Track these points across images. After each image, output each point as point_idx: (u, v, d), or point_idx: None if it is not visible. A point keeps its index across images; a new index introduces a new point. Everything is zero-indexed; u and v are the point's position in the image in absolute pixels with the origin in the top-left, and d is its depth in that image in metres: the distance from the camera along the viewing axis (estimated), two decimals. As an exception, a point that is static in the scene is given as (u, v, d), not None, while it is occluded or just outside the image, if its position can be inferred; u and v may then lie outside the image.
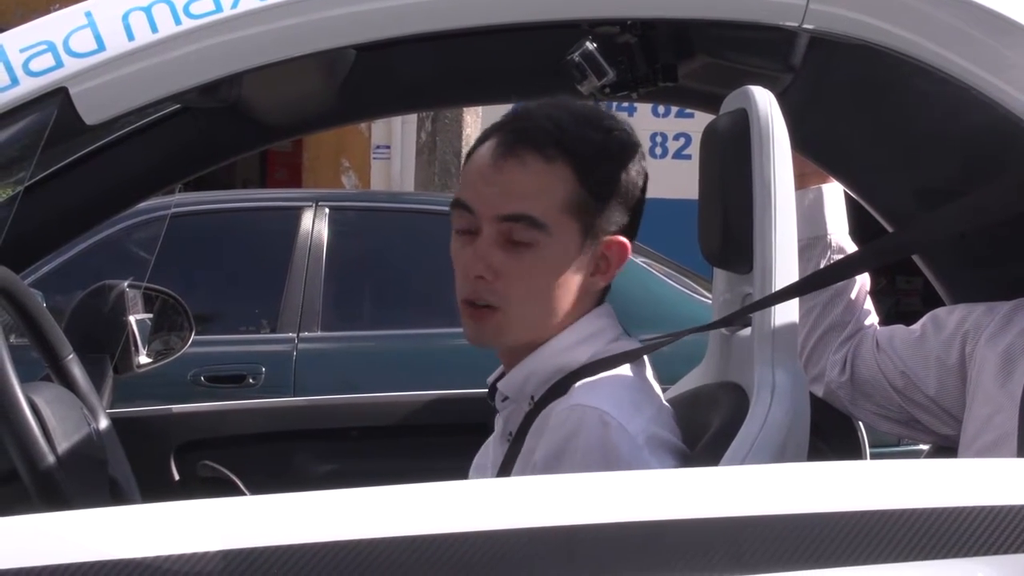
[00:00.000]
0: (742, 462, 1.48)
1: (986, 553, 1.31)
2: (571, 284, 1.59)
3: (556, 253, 1.57)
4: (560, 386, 1.58)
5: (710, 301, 1.88)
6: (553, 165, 1.57)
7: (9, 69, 1.48)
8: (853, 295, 1.94)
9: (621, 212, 1.61)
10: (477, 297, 1.58)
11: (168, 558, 1.20)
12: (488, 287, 1.57)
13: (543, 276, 1.57)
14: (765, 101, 1.58)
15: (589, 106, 1.63)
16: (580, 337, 1.61)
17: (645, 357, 1.64)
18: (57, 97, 1.49)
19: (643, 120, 9.02)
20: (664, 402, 1.63)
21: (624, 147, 1.61)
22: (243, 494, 2.09)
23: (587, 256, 1.59)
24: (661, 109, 9.11)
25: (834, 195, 1.95)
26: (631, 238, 1.63)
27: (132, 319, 2.29)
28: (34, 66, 1.49)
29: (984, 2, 1.60)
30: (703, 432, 1.60)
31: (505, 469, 1.60)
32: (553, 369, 1.60)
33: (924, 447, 2.01)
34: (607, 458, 1.49)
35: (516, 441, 1.60)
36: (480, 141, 1.63)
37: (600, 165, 1.58)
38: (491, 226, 1.57)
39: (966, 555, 1.31)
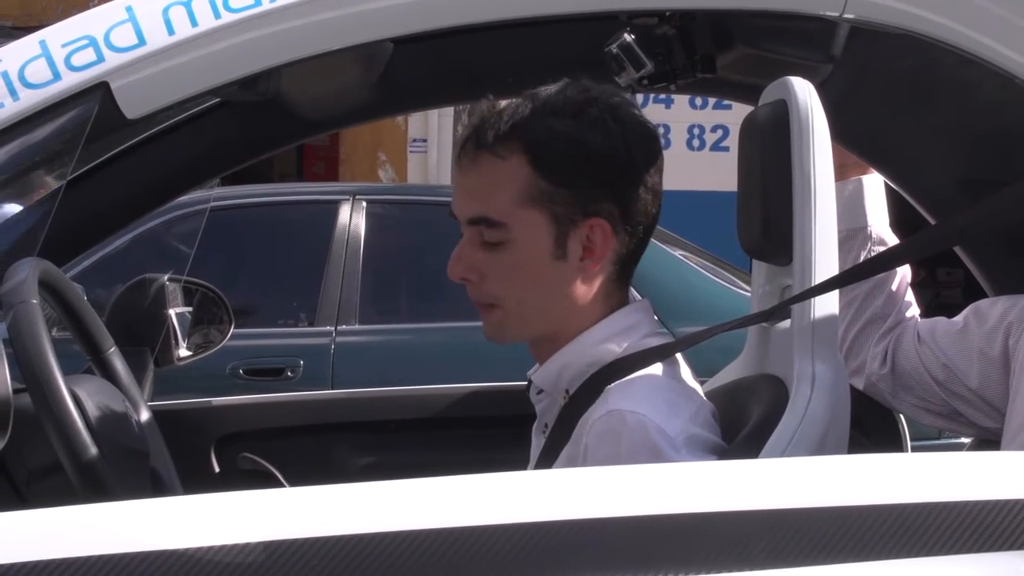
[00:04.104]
0: (782, 455, 1.48)
1: (1031, 547, 1.29)
2: (558, 272, 1.59)
3: (528, 246, 1.58)
4: (594, 380, 1.58)
5: (749, 294, 1.87)
6: (506, 160, 1.57)
7: (51, 64, 1.50)
8: (894, 287, 1.93)
9: (598, 194, 1.58)
10: (472, 298, 1.62)
11: (210, 549, 1.21)
12: (476, 288, 1.61)
13: (521, 270, 1.58)
14: (805, 92, 1.57)
15: (566, 96, 1.59)
16: (613, 331, 1.61)
17: (679, 354, 1.63)
18: (98, 92, 1.50)
19: (680, 112, 8.98)
20: (703, 398, 1.62)
21: (592, 128, 1.57)
22: (283, 486, 2.11)
23: (570, 243, 1.58)
24: (699, 101, 9.06)
25: (874, 186, 1.94)
26: (628, 217, 1.59)
27: (172, 312, 2.31)
28: (76, 61, 1.50)
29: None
30: (742, 425, 1.59)
31: (542, 463, 1.61)
32: (587, 362, 1.60)
33: (966, 440, 2.00)
34: (653, 459, 1.49)
35: (552, 435, 1.61)
36: None
37: (555, 151, 1.56)
38: (466, 229, 1.60)
39: (1010, 548, 1.29)
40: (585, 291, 1.61)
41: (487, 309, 1.62)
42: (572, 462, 1.55)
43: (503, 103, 1.61)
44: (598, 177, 1.58)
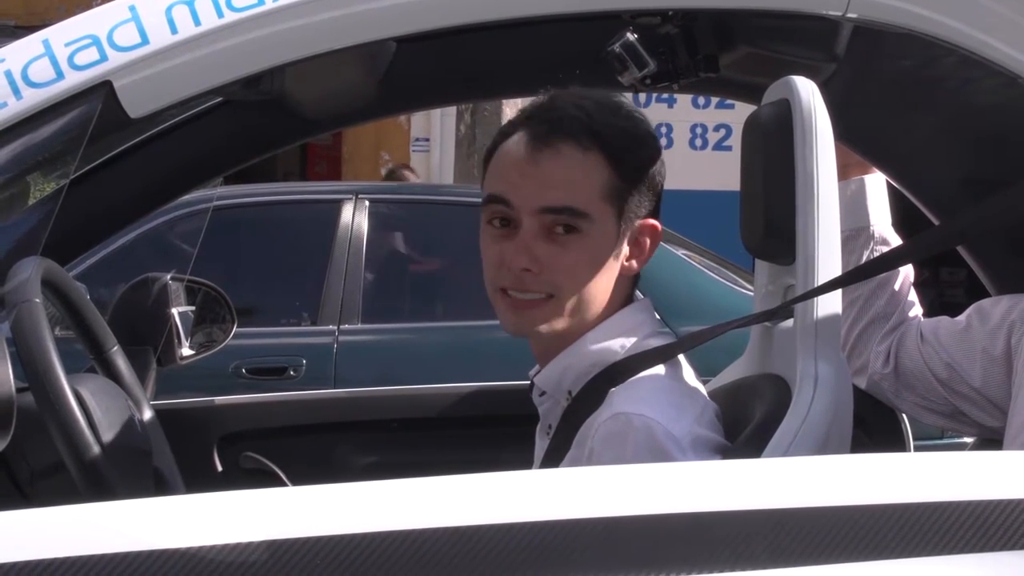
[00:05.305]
0: (784, 454, 1.47)
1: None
2: (612, 270, 1.61)
3: (599, 240, 1.59)
4: (596, 382, 1.57)
5: (752, 293, 1.87)
6: (588, 154, 1.58)
7: (54, 63, 1.50)
8: (896, 286, 1.93)
9: (649, 196, 1.63)
10: (524, 288, 1.58)
11: (212, 548, 1.21)
12: (535, 278, 1.58)
13: (588, 263, 1.59)
14: (808, 91, 1.57)
15: (608, 94, 1.65)
16: (616, 331, 1.61)
17: (682, 356, 1.63)
18: (101, 91, 1.50)
19: (683, 111, 8.98)
20: (707, 399, 1.62)
21: (647, 133, 1.64)
22: (285, 485, 2.11)
23: (623, 241, 1.61)
24: (701, 100, 9.05)
25: (876, 186, 1.94)
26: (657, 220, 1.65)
27: (175, 311, 2.31)
28: (79, 60, 1.50)
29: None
30: (745, 424, 1.59)
31: (547, 464, 1.60)
32: (589, 363, 1.60)
33: (968, 440, 2.00)
34: (658, 461, 1.48)
35: (556, 437, 1.61)
36: (506, 134, 1.62)
37: (629, 151, 1.60)
38: (532, 218, 1.57)
39: (1012, 548, 1.29)
40: (613, 292, 1.62)
41: (532, 302, 1.58)
42: (576, 465, 1.54)
43: (557, 96, 1.62)
44: (651, 178, 1.62)
